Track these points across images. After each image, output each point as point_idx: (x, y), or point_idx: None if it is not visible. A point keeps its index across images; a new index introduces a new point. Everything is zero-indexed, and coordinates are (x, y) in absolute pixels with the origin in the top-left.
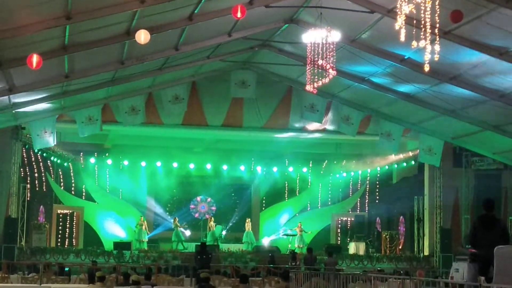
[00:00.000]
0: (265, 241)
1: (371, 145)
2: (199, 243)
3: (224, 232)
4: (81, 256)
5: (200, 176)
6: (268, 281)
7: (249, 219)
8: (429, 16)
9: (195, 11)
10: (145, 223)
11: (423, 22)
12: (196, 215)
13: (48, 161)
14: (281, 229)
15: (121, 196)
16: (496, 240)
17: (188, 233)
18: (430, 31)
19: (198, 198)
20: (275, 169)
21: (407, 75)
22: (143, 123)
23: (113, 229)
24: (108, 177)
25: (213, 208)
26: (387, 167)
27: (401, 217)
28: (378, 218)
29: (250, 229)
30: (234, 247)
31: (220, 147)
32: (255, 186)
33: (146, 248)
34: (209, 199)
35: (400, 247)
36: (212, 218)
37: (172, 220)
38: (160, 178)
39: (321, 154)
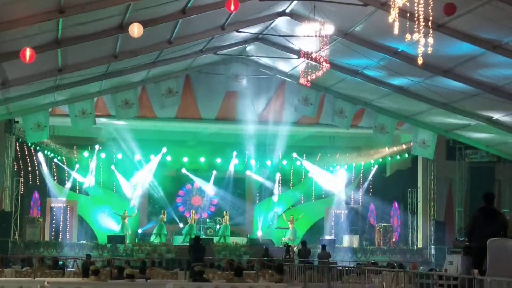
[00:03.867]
0: (259, 234)
1: (365, 138)
2: (192, 236)
3: (218, 226)
4: (75, 250)
5: (193, 170)
6: (262, 274)
7: (227, 212)
8: (423, 9)
9: (188, 5)
10: (127, 216)
11: (416, 15)
12: (181, 209)
13: (42, 155)
14: (271, 224)
15: (115, 190)
16: (496, 233)
17: (181, 225)
18: (423, 24)
19: (187, 186)
20: (268, 162)
21: (400, 68)
22: (137, 117)
23: (106, 223)
24: (101, 171)
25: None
26: (380, 160)
27: (395, 209)
28: (372, 211)
29: (228, 221)
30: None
31: (213, 141)
32: (249, 179)
33: (128, 241)
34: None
35: (393, 240)
36: (194, 212)
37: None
38: (154, 171)
39: (315, 147)
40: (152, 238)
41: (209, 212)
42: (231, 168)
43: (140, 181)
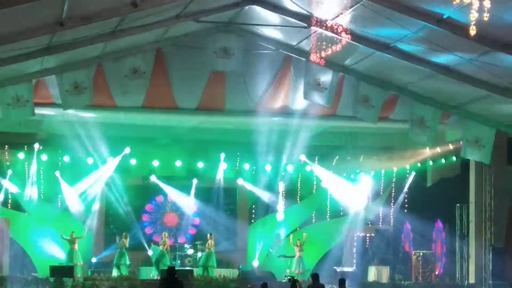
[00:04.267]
0: (255, 264)
1: (398, 135)
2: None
3: (200, 253)
4: (6, 286)
5: (166, 177)
6: None
7: (211, 235)
8: None
9: None
10: (76, 240)
11: None
12: (148, 230)
13: None
14: (270, 251)
15: (60, 204)
16: None
17: (150, 252)
18: None
19: (159, 198)
20: (268, 167)
21: (445, 41)
22: (90, 106)
23: (49, 249)
24: (42, 179)
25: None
26: (419, 164)
27: (439, 231)
28: (407, 234)
29: (213, 247)
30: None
31: (194, 138)
32: (242, 190)
33: (79, 274)
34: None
35: (436, 273)
36: (166, 233)
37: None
38: (113, 179)
39: (330, 148)
40: (116, 269)
41: (188, 235)
42: (219, 175)
43: (93, 192)
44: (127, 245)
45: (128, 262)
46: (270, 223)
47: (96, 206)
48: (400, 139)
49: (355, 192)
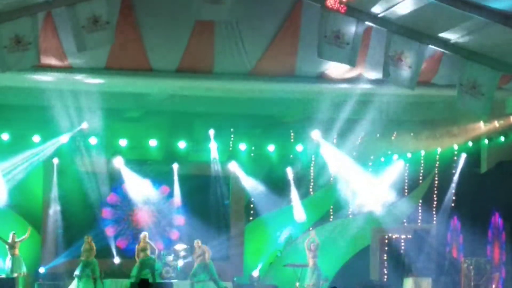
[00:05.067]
0: (255, 275)
1: (442, 105)
2: (133, 281)
3: (181, 261)
4: None
5: (137, 161)
6: None
7: (199, 241)
8: None
9: None
10: (18, 243)
11: None
12: (111, 231)
13: None
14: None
15: (2, 201)
16: None
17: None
18: None
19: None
20: (271, 148)
21: None
22: (36, 67)
23: None
24: None
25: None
26: (470, 144)
27: (497, 231)
28: (455, 235)
29: (208, 257)
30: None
31: (173, 110)
32: (237, 178)
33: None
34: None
35: (494, 286)
36: (146, 234)
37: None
38: (67, 164)
39: (353, 122)
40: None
41: (167, 240)
42: (206, 159)
43: (39, 181)
44: (94, 249)
45: (98, 273)
46: (272, 221)
47: (46, 200)
48: (446, 110)
49: (384, 180)
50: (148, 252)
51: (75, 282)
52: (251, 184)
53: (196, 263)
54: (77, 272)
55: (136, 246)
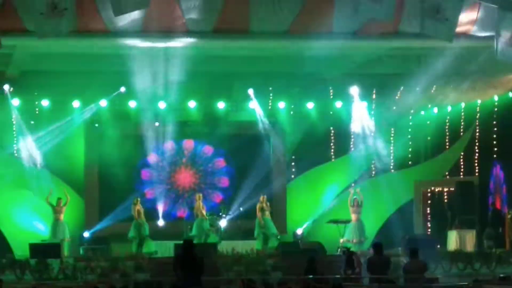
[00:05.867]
0: (299, 234)
1: (481, 56)
2: (181, 242)
3: (223, 222)
4: None
5: (177, 123)
6: None
7: (264, 197)
8: None
9: None
10: (63, 209)
11: None
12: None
13: None
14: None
15: (40, 164)
16: None
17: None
18: None
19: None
20: (310, 105)
21: None
22: (73, 32)
23: (27, 222)
24: (15, 130)
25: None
26: (511, 94)
27: None
28: (497, 186)
29: (269, 214)
30: (243, 246)
31: (211, 71)
32: (277, 137)
33: (66, 253)
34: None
35: None
36: (200, 196)
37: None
38: (107, 128)
39: (391, 77)
40: (134, 247)
41: (211, 203)
42: (246, 118)
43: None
44: (142, 211)
45: (147, 233)
46: (314, 179)
47: (87, 164)
48: (485, 62)
49: (426, 134)
50: (204, 212)
51: (127, 244)
52: (291, 142)
53: (260, 217)
54: (130, 234)
55: (195, 206)
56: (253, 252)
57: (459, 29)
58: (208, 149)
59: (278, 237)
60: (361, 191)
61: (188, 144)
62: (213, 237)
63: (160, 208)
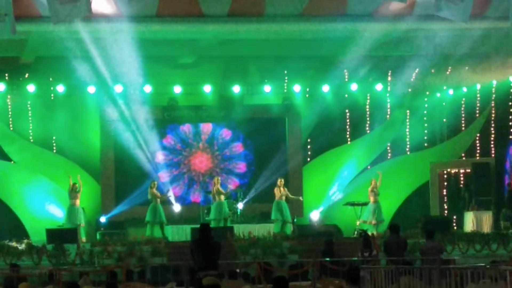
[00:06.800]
0: (314, 217)
1: (496, 38)
2: (197, 225)
3: (240, 205)
4: None
5: (192, 107)
6: (324, 286)
7: (282, 180)
8: None
9: None
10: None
11: None
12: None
13: None
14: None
15: (56, 149)
16: None
17: (177, 207)
18: None
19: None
20: (326, 88)
21: None
22: (88, 17)
23: (44, 207)
24: (31, 116)
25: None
26: None
27: None
28: None
29: (285, 196)
30: (259, 229)
31: (226, 55)
32: (293, 120)
33: (84, 238)
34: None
35: None
36: (219, 180)
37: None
38: (122, 112)
39: (406, 59)
40: (148, 231)
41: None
42: (261, 101)
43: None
44: (159, 195)
45: (163, 219)
46: (331, 161)
47: (103, 150)
48: (500, 43)
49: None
50: (222, 196)
51: (144, 228)
52: (307, 125)
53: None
54: (147, 218)
55: (213, 190)
56: (269, 235)
57: (474, 10)
58: (226, 133)
59: (295, 220)
60: (378, 171)
61: (206, 127)
62: (230, 221)
63: (175, 192)
